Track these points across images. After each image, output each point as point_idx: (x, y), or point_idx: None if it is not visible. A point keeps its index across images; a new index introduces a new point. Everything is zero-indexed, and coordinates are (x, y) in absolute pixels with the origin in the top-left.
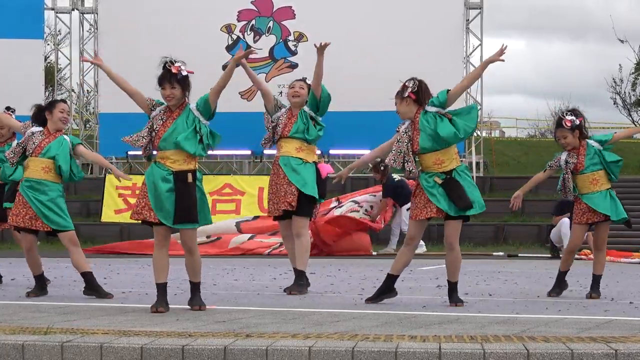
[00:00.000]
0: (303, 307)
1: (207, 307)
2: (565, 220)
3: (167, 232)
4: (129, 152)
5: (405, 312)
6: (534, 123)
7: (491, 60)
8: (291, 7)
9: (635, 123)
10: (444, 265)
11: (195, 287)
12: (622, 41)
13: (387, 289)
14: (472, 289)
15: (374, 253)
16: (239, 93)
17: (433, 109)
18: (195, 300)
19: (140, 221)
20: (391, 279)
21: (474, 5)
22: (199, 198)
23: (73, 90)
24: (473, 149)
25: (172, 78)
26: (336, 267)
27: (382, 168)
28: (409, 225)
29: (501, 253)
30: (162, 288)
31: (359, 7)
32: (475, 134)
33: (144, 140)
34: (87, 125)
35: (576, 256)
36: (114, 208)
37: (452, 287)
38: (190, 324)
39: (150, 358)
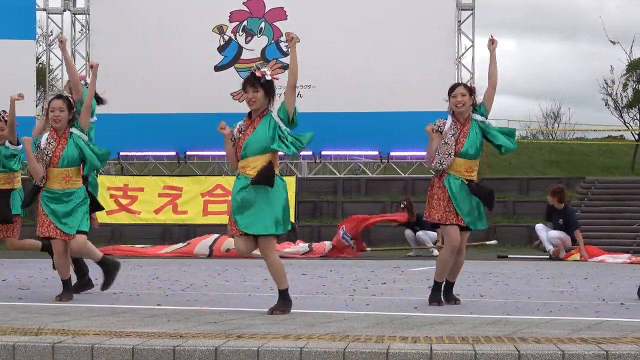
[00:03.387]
0: (294, 308)
1: (199, 307)
2: (538, 226)
3: (249, 242)
4: (121, 153)
5: (397, 313)
6: (525, 124)
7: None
8: (283, 8)
9: (627, 125)
10: (435, 267)
11: (280, 294)
12: (613, 42)
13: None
14: (464, 289)
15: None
16: (230, 94)
17: (479, 118)
18: (276, 305)
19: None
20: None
21: (465, 6)
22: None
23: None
24: None
25: (256, 81)
26: (327, 268)
27: (402, 206)
28: (447, 231)
29: (494, 242)
30: None
31: (350, 8)
32: None
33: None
34: None
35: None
36: (106, 209)
37: (451, 287)
38: (181, 325)
39: (141, 359)
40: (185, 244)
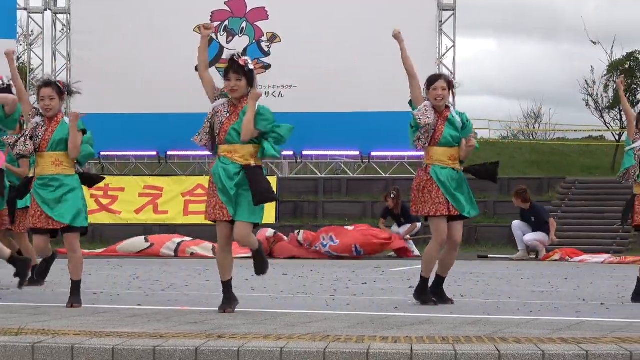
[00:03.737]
0: (275, 308)
1: (178, 307)
2: (514, 223)
3: (231, 231)
4: (101, 153)
5: (378, 313)
6: (506, 124)
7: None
8: (264, 8)
9: (608, 125)
10: (417, 267)
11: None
12: (594, 43)
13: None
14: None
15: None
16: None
17: (457, 118)
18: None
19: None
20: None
21: (447, 6)
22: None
23: None
24: None
25: (239, 69)
26: (308, 268)
27: (392, 196)
28: (436, 225)
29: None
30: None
31: (331, 9)
32: None
33: (206, 136)
34: None
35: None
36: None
37: (442, 282)
38: (161, 325)
39: (121, 359)
40: (148, 244)
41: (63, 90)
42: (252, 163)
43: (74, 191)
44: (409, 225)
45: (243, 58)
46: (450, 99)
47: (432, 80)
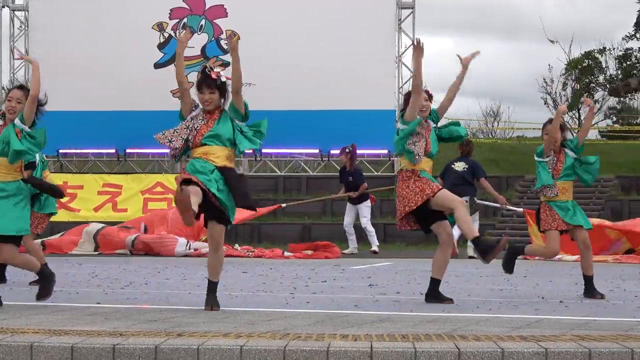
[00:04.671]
0: (235, 307)
1: (138, 306)
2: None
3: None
4: (60, 150)
5: (337, 311)
6: (465, 122)
7: (467, 62)
8: (223, 5)
9: (566, 123)
10: (376, 265)
11: (212, 287)
12: (552, 42)
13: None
14: (404, 287)
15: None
16: (170, 92)
17: (432, 124)
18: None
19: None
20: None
21: (406, 4)
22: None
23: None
24: None
25: (212, 83)
26: (268, 266)
27: (347, 151)
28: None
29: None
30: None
31: (290, 6)
32: None
33: (180, 140)
34: None
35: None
36: None
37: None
38: (121, 323)
39: (81, 357)
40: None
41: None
42: (228, 165)
43: (12, 202)
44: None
45: (215, 71)
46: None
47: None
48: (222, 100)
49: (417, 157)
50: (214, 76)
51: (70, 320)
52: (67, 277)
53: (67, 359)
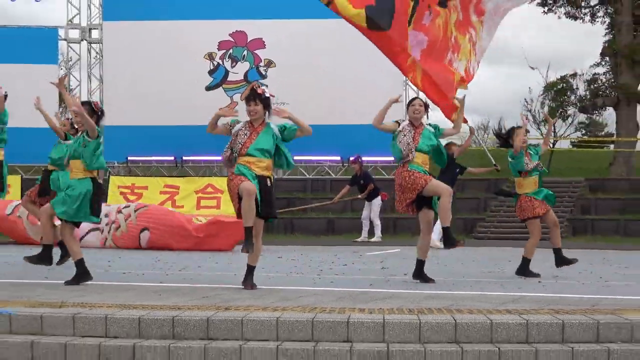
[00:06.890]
0: (271, 285)
1: (193, 285)
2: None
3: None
4: (129, 158)
5: (356, 289)
6: (460, 136)
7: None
8: (262, 38)
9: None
10: (387, 251)
11: (250, 270)
12: (532, 68)
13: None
14: (411, 270)
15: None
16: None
17: (432, 129)
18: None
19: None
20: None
21: None
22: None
23: None
24: None
25: (257, 96)
26: (299, 252)
27: (355, 160)
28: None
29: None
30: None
31: (316, 37)
32: None
33: (228, 151)
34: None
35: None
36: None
37: (423, 265)
38: (179, 299)
39: (146, 327)
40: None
41: (96, 111)
42: (266, 174)
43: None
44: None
45: (261, 88)
46: (425, 118)
47: (411, 100)
48: (266, 113)
49: (404, 152)
50: (259, 91)
51: (138, 297)
52: (135, 261)
53: (135, 328)
